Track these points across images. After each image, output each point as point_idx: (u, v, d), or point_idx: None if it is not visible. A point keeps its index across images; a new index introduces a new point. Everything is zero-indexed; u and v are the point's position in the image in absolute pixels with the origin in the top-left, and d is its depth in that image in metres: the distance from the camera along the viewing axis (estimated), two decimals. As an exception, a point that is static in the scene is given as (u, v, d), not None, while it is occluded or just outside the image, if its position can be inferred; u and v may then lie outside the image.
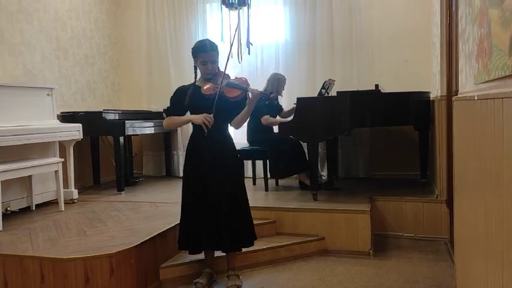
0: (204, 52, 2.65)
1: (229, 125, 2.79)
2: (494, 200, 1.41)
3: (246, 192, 2.79)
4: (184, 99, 2.66)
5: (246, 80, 2.71)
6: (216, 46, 2.70)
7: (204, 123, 2.54)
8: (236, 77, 2.78)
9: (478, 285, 1.73)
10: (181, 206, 2.76)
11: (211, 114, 2.55)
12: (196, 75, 2.75)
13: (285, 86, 4.67)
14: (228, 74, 2.73)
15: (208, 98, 2.60)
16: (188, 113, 2.74)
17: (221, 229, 2.64)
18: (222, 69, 2.70)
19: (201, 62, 2.67)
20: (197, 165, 2.70)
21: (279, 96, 4.72)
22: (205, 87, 2.64)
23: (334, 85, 4.54)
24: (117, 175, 4.59)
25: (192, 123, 2.69)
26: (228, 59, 2.67)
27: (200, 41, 2.75)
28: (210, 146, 2.65)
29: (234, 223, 2.66)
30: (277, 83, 4.57)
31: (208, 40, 2.74)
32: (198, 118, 2.57)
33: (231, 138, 2.81)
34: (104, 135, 4.87)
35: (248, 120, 4.61)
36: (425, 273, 2.99)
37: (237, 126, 2.76)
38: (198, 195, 2.67)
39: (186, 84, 2.84)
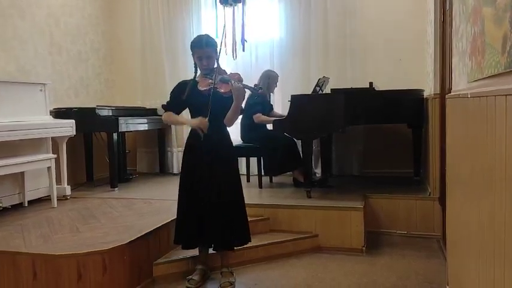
0: (199, 48, 2.66)
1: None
2: (486, 198, 1.42)
3: (242, 192, 2.79)
4: (183, 93, 2.67)
5: (239, 75, 2.71)
6: (214, 42, 2.70)
7: (200, 128, 2.57)
8: (231, 73, 2.78)
9: (470, 282, 1.74)
10: (178, 202, 2.76)
11: (207, 118, 2.56)
12: (196, 70, 2.75)
13: (277, 83, 4.66)
14: (224, 70, 2.75)
15: (204, 94, 2.60)
16: (187, 110, 2.77)
17: (214, 228, 2.64)
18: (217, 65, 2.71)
19: (197, 57, 2.68)
20: (194, 165, 2.70)
21: (271, 94, 4.72)
22: (201, 84, 2.65)
23: (329, 82, 4.54)
24: (110, 172, 4.57)
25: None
26: (218, 55, 2.68)
27: (197, 36, 2.76)
28: (207, 145, 2.64)
29: (228, 223, 2.65)
30: (268, 80, 4.57)
31: (207, 36, 2.74)
32: (194, 122, 2.62)
33: (228, 135, 2.81)
34: (97, 131, 4.84)
35: (241, 117, 4.65)
36: (417, 270, 3.01)
37: (229, 124, 2.74)
38: (193, 194, 2.67)
39: (186, 79, 2.86)
